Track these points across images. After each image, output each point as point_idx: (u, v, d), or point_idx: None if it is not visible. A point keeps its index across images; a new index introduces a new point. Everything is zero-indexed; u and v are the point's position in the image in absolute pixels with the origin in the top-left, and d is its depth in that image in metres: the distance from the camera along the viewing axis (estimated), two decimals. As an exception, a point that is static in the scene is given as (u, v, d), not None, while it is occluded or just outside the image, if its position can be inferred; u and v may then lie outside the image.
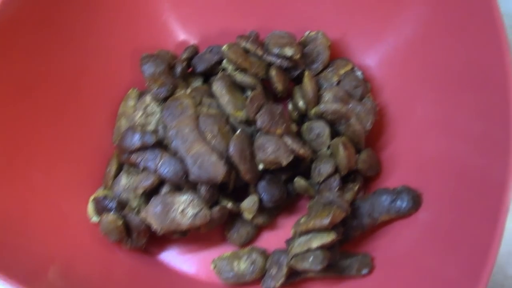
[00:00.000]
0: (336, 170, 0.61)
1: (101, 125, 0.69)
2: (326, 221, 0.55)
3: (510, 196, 0.47)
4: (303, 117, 0.67)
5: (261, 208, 0.63)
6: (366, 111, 0.64)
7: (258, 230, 0.65)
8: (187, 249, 0.65)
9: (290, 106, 0.67)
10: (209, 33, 0.74)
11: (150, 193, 0.61)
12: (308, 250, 0.56)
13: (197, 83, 0.69)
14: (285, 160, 0.59)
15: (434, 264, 0.54)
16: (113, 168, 0.64)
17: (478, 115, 0.56)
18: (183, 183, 0.59)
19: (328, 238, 0.55)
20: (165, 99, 0.63)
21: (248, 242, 0.63)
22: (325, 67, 0.68)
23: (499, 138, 0.51)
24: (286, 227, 0.65)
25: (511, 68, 0.52)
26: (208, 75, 0.70)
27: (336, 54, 0.70)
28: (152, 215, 0.59)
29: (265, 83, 0.67)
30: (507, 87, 0.51)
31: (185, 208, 0.59)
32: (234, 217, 0.64)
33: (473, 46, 0.58)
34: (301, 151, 0.60)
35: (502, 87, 0.51)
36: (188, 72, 0.70)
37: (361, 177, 0.65)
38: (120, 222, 0.59)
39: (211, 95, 0.65)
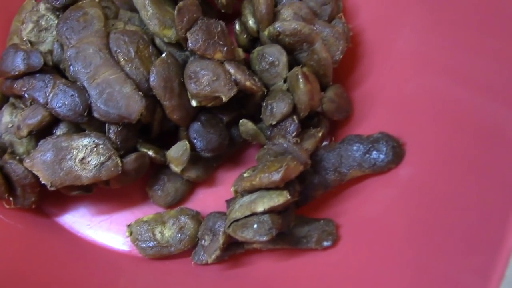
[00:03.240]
0: (294, 110, 0.46)
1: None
2: (276, 176, 0.41)
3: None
4: (254, 41, 0.51)
5: (195, 159, 0.49)
6: (336, 36, 0.49)
7: (191, 187, 0.52)
8: (95, 210, 0.51)
9: (237, 27, 0.52)
10: None
11: (40, 135, 0.45)
12: (252, 215, 0.42)
13: (115, -7, 0.52)
14: (226, 94, 0.44)
15: (418, 237, 0.40)
16: (-7, 101, 0.48)
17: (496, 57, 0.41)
18: (85, 122, 0.44)
19: (278, 199, 0.41)
20: (65, 8, 0.46)
21: (176, 202, 0.51)
22: (284, -24, 0.52)
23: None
24: (227, 183, 0.52)
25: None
26: (130, -16, 0.53)
27: (299, -39, 0.54)
28: (40, 164, 0.43)
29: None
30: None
31: (86, 156, 0.43)
32: (159, 169, 0.51)
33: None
34: (248, 83, 0.45)
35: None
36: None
37: (327, 120, 0.50)
38: (-5, 173, 0.43)
39: (133, 8, 0.49)
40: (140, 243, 0.47)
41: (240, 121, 0.48)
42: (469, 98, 0.44)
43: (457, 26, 0.46)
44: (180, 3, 0.45)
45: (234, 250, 0.46)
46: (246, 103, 0.49)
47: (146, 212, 0.49)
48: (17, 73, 0.44)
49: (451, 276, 0.37)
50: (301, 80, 0.46)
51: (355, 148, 0.46)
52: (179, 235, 0.47)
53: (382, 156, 0.45)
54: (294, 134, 0.46)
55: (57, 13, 0.48)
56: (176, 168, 0.48)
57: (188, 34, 0.45)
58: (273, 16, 0.50)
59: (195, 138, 0.48)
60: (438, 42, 0.48)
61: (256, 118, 0.50)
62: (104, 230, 0.49)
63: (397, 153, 0.45)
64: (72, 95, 0.43)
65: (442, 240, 0.40)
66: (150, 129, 0.48)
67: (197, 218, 0.48)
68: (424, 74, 0.48)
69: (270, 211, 0.41)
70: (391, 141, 0.45)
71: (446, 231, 0.40)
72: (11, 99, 0.48)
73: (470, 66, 0.44)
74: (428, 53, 0.48)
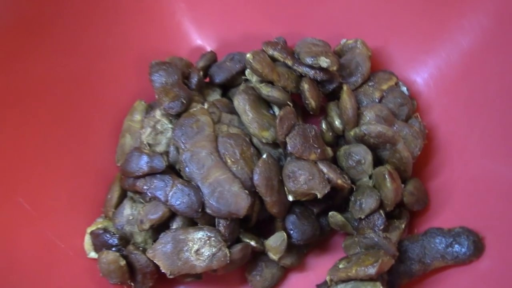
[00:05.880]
0: (380, 205, 0.51)
1: (102, 141, 0.60)
2: (372, 270, 0.45)
3: None
4: (338, 138, 0.57)
5: (289, 246, 0.53)
6: (414, 134, 0.55)
7: (285, 273, 0.56)
8: (201, 293, 0.55)
9: (323, 125, 0.57)
10: (229, 38, 0.65)
11: (158, 228, 0.51)
12: (349, 304, 0.46)
13: (215, 96, 0.60)
14: (320, 192, 0.50)
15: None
16: (115, 194, 0.55)
17: None
18: (199, 217, 0.49)
19: (373, 290, 0.45)
20: (178, 115, 0.53)
21: (273, 286, 0.56)
22: (365, 81, 0.59)
23: None
24: (316, 269, 0.57)
25: None
26: (227, 87, 0.61)
27: (377, 66, 0.61)
28: (161, 255, 0.49)
29: (294, 97, 0.57)
30: None
31: (200, 248, 0.49)
32: (257, 256, 0.55)
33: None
34: (340, 181, 0.51)
35: None
36: (204, 82, 0.60)
37: (407, 212, 0.55)
38: (123, 263, 0.50)
39: (232, 110, 0.56)
40: (242, 325, 0.52)
41: (330, 213, 0.53)
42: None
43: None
44: (281, 112, 0.52)
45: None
46: (334, 196, 0.54)
47: (245, 295, 0.55)
48: (141, 174, 0.51)
49: None
50: (388, 180, 0.51)
51: (437, 241, 0.51)
52: (277, 318, 0.52)
53: (463, 250, 0.49)
54: (381, 227, 0.51)
55: (170, 118, 0.55)
56: (274, 256, 0.53)
57: (287, 139, 0.51)
58: (357, 117, 0.56)
59: (291, 230, 0.53)
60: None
61: (341, 208, 0.56)
62: (207, 312, 0.55)
63: (478, 247, 0.49)
64: (189, 194, 0.49)
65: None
66: (249, 219, 0.54)
67: (293, 302, 0.53)
68: (497, 166, 0.52)
69: (365, 301, 0.46)
70: (472, 236, 0.49)
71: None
72: (129, 193, 0.55)
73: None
74: (502, 145, 0.52)
